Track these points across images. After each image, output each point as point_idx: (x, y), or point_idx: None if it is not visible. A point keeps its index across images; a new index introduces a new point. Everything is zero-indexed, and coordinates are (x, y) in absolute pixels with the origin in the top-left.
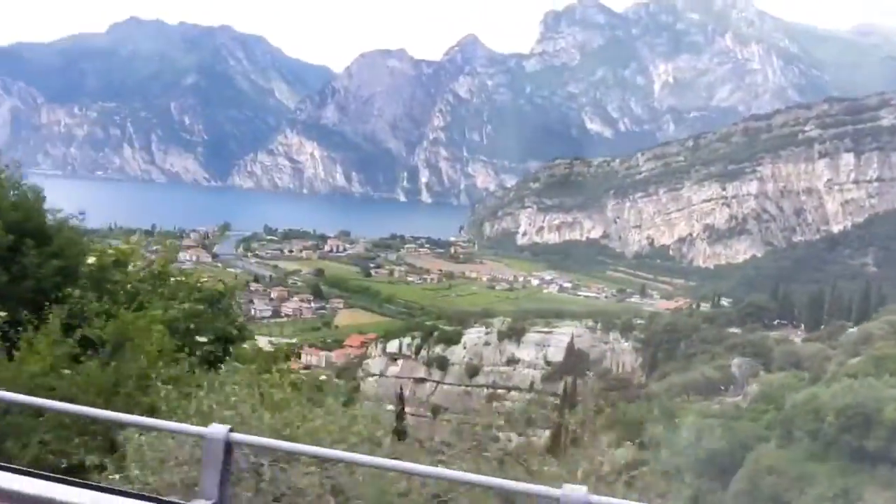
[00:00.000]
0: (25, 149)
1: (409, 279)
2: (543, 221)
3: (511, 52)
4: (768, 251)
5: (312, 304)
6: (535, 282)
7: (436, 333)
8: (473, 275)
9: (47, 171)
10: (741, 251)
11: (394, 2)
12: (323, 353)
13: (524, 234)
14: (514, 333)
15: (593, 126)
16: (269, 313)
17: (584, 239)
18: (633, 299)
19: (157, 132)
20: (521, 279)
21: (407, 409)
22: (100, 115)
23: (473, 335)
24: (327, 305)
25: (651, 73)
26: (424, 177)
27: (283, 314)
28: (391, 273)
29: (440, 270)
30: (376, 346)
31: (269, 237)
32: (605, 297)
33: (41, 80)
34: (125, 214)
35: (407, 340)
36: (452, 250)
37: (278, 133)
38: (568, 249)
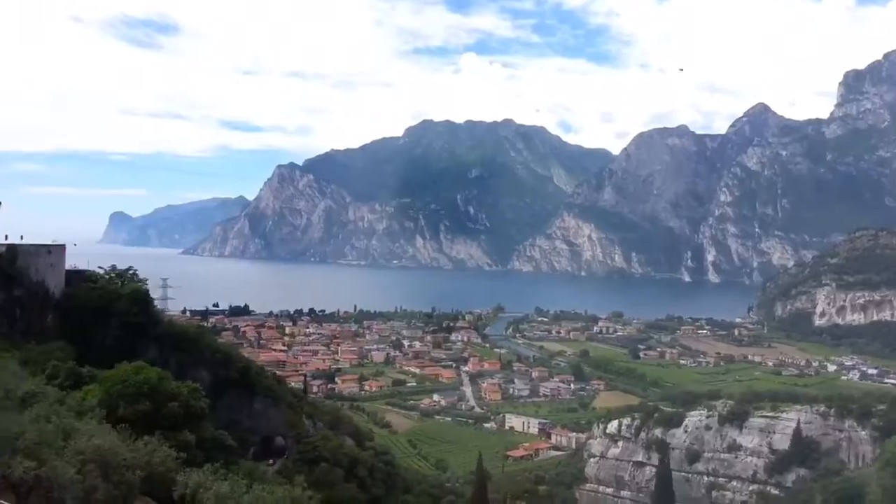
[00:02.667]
0: (335, 243)
1: (682, 362)
2: (845, 300)
3: (805, 118)
4: None
5: (572, 386)
6: (831, 367)
7: (656, 415)
8: (757, 359)
9: (352, 261)
10: None
11: (671, 80)
12: (573, 435)
13: (822, 314)
14: (737, 417)
15: None
16: (526, 393)
17: (895, 319)
18: None
19: (445, 223)
20: (814, 364)
21: (626, 494)
22: (396, 210)
23: (695, 418)
24: (587, 387)
25: None
26: (711, 255)
27: (540, 394)
28: (662, 355)
29: (718, 353)
30: (598, 426)
31: (539, 318)
32: None
33: (349, 181)
34: (412, 298)
35: (626, 421)
36: (736, 332)
37: (556, 217)
38: (876, 332)
